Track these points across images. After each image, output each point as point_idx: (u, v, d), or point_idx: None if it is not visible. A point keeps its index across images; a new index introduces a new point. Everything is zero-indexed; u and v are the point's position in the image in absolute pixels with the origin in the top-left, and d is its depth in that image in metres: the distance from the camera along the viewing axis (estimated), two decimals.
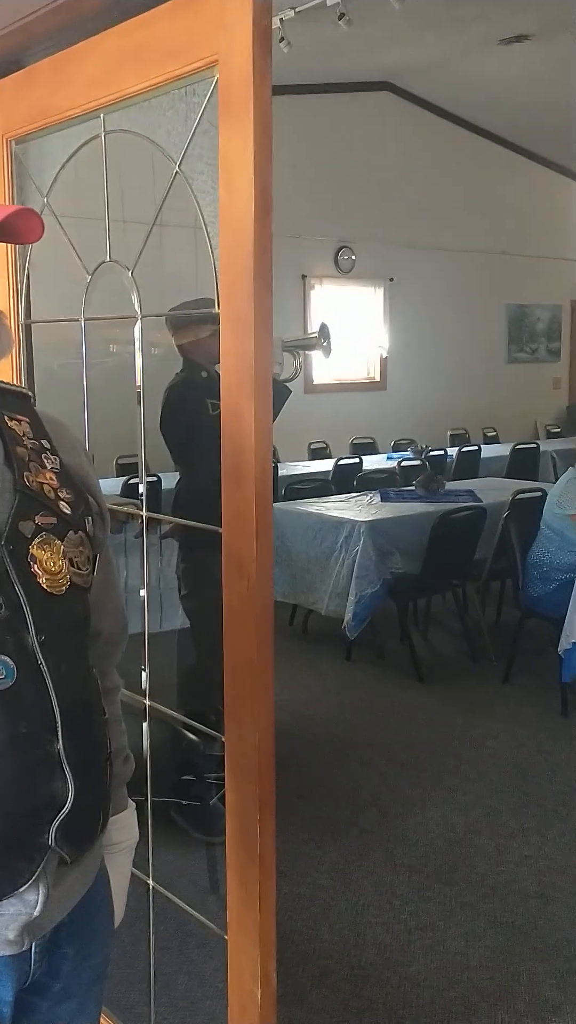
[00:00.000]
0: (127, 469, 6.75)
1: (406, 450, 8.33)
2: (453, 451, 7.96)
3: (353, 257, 9.37)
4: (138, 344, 1.78)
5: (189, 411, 3.85)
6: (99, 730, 1.20)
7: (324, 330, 3.87)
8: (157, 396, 4.01)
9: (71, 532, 1.16)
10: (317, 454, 8.28)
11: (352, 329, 9.37)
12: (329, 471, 6.98)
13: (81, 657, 1.19)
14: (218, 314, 3.76)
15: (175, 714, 2.05)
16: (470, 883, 3.03)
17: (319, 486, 6.07)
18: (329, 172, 9.08)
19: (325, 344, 3.90)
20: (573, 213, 11.42)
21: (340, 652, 5.17)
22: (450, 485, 6.12)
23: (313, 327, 8.97)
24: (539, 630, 4.81)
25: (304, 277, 9.02)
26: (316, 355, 9.17)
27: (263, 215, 1.39)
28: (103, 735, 1.22)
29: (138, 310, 1.78)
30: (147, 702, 2.02)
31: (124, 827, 1.41)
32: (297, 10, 5.78)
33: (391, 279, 9.64)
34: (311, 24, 6.33)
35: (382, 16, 6.54)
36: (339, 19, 5.68)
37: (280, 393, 3.93)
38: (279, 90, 7.32)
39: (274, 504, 5.23)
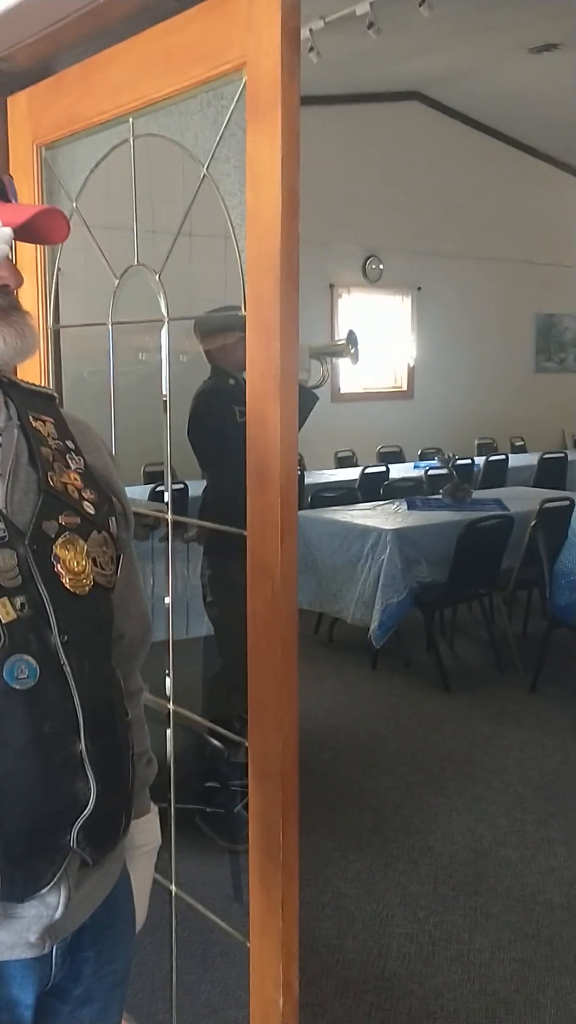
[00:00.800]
0: (155, 477, 6.77)
1: (433, 459, 8.30)
2: (480, 460, 7.92)
3: (381, 266, 9.36)
4: (165, 349, 1.78)
5: (217, 418, 3.85)
6: (122, 731, 1.20)
7: (352, 337, 3.87)
8: (186, 403, 4.03)
9: (95, 532, 1.15)
10: (344, 462, 8.27)
11: (380, 338, 9.36)
12: (356, 479, 6.97)
13: (104, 658, 1.19)
14: (244, 318, 3.74)
15: (199, 719, 2.03)
16: (495, 894, 3.00)
17: (345, 494, 6.06)
18: (357, 181, 9.09)
19: (353, 351, 3.89)
20: None
21: (366, 661, 5.15)
22: (477, 494, 6.09)
23: (341, 336, 8.97)
24: (567, 640, 4.77)
25: (332, 286, 9.02)
26: (343, 364, 9.19)
27: (290, 217, 1.39)
28: (126, 737, 1.21)
29: (165, 313, 1.78)
30: (171, 707, 2.01)
31: (147, 830, 1.41)
32: (327, 20, 5.80)
33: (419, 288, 9.62)
34: (340, 34, 6.35)
35: (411, 24, 6.55)
36: (368, 28, 5.68)
37: (307, 400, 3.93)
38: (307, 100, 7.31)
39: (300, 512, 5.23)
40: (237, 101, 1.48)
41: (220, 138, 1.55)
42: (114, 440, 2.00)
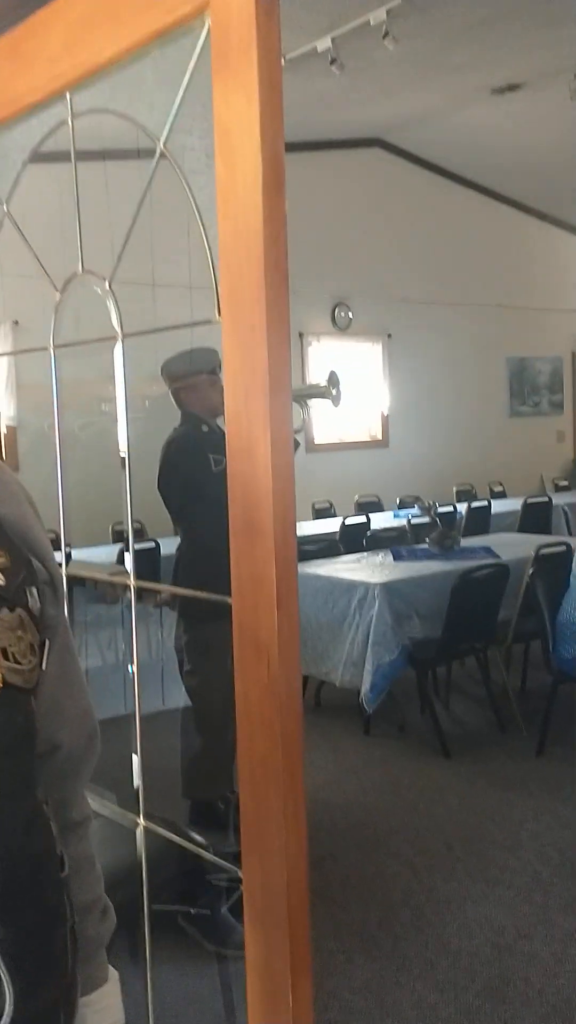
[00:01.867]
0: (123, 536, 6.42)
1: (412, 507, 8.00)
2: (462, 507, 7.63)
3: (350, 314, 9.16)
4: (119, 373, 1.45)
5: (189, 468, 3.52)
6: (53, 897, 0.84)
7: (333, 378, 3.57)
8: (155, 452, 3.69)
9: (4, 610, 0.81)
10: (322, 514, 7.95)
11: (352, 387, 9.11)
12: (335, 531, 6.64)
13: (24, 789, 0.83)
14: (217, 361, 3.39)
15: (171, 835, 1.66)
16: (526, 1000, 2.61)
17: (327, 546, 5.72)
18: (323, 229, 8.90)
19: (336, 392, 3.59)
20: (570, 264, 11.27)
21: (357, 726, 4.77)
22: (465, 541, 5.77)
23: (321, 379, 8.71)
24: (572, 695, 4.42)
25: (301, 335, 8.78)
26: (317, 414, 8.92)
27: (275, 191, 1.07)
28: (60, 903, 0.85)
29: (118, 329, 1.45)
30: (141, 801, 1.64)
31: (103, 1009, 1.04)
32: (288, 58, 5.61)
33: (389, 335, 9.42)
34: (302, 75, 6.17)
35: (375, 64, 6.39)
36: (331, 64, 5.49)
37: None
38: None
39: None
40: (200, 53, 1.17)
41: (179, 103, 1.23)
42: (62, 494, 1.65)
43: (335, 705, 5.03)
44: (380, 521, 7.22)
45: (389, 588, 4.58)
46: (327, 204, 8.94)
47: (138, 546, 4.95)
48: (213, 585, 3.63)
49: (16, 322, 7.07)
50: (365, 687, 4.46)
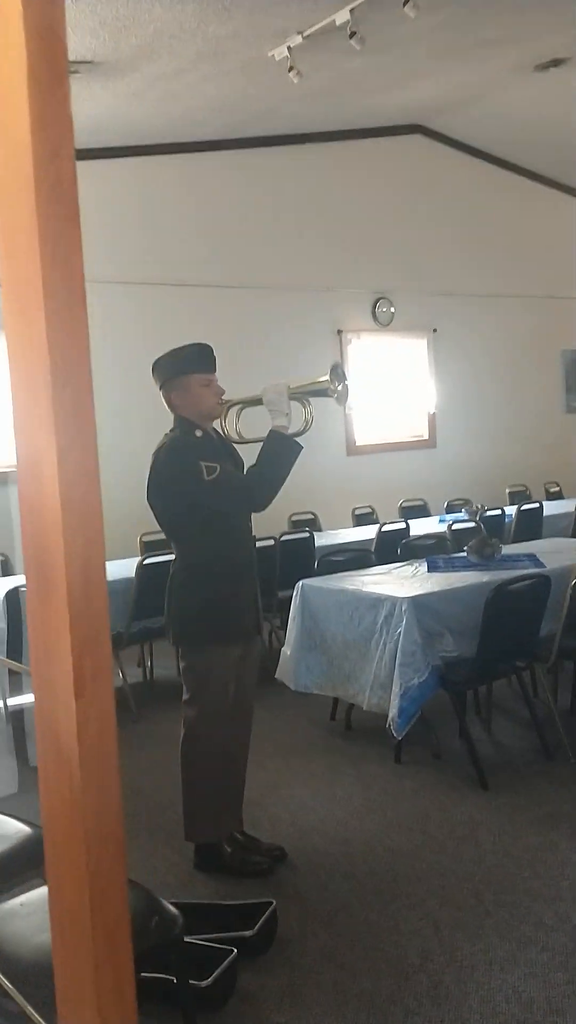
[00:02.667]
0: (151, 546, 6.11)
1: (460, 511, 7.58)
2: (512, 510, 7.18)
3: (392, 309, 8.76)
4: None
5: (179, 477, 3.19)
6: None
7: (337, 370, 3.20)
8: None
9: None
10: (362, 520, 7.57)
11: (396, 385, 8.73)
12: (372, 539, 6.26)
13: None
14: (210, 359, 3.03)
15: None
16: None
17: (357, 556, 5.35)
18: (362, 221, 8.54)
19: (340, 388, 3.22)
20: None
21: (389, 753, 4.39)
22: (508, 548, 5.36)
23: (352, 382, 8.34)
24: None
25: (340, 332, 8.42)
26: (356, 414, 8.55)
27: (50, 87, 0.72)
28: None
29: None
30: None
31: None
32: (305, 35, 5.26)
33: (434, 330, 9.00)
34: (324, 54, 5.82)
35: (400, 41, 6.01)
36: (351, 38, 5.12)
37: (287, 451, 3.25)
38: (306, 138, 6.80)
39: (305, 581, 4.51)
40: None
41: None
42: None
43: (367, 728, 4.64)
44: (423, 527, 6.82)
45: (418, 603, 4.20)
46: (366, 194, 8.57)
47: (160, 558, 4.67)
48: (209, 609, 3.28)
49: None
50: (392, 712, 4.08)
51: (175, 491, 3.19)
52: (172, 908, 2.21)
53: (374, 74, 7.10)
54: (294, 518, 7.22)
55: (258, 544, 5.65)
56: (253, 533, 3.52)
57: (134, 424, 5.71)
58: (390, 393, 8.69)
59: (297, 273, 8.12)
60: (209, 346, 3.34)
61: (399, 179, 8.80)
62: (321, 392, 3.16)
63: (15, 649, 4.91)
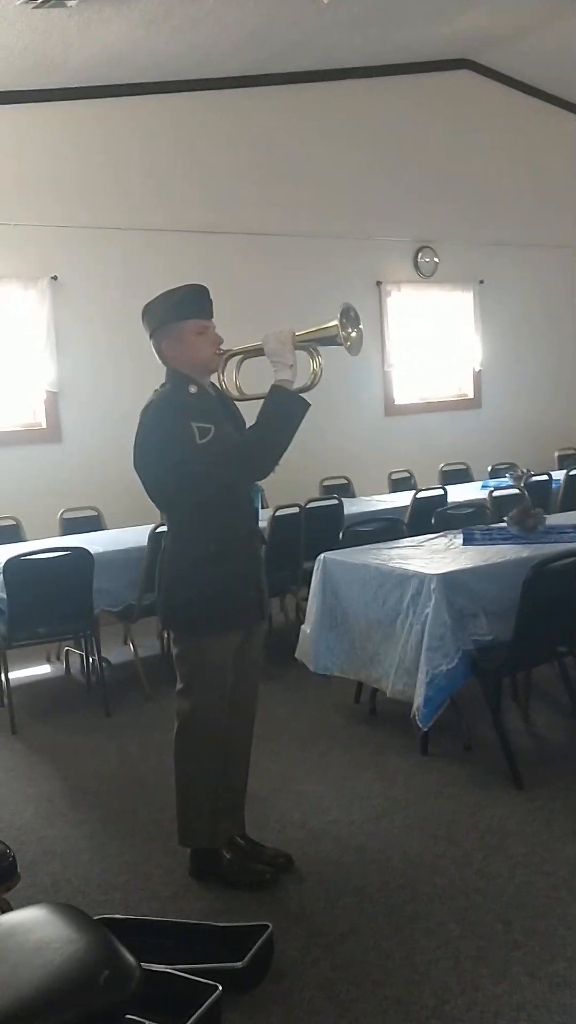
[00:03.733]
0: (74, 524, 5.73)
1: (505, 476, 7.09)
2: (560, 475, 6.67)
3: (436, 259, 8.22)
4: None
5: (166, 440, 2.79)
6: None
7: (348, 312, 2.76)
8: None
9: None
10: (399, 485, 7.12)
11: (438, 341, 8.21)
12: (407, 506, 5.82)
13: None
14: (207, 303, 2.59)
15: None
16: None
17: (387, 526, 4.91)
18: (404, 164, 7.99)
19: (354, 335, 2.78)
20: None
21: (415, 743, 3.99)
22: (554, 519, 4.89)
23: (392, 338, 7.86)
24: None
25: (379, 283, 7.91)
26: (395, 371, 8.05)
27: None
28: None
29: None
30: None
31: None
32: None
33: (481, 282, 8.44)
34: None
35: None
36: None
37: (291, 409, 2.81)
38: (339, 74, 6.25)
39: (327, 554, 4.09)
40: None
41: None
42: None
43: (394, 714, 4.24)
44: (464, 493, 6.36)
45: (448, 580, 3.77)
46: (409, 135, 8.02)
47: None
48: (202, 588, 2.84)
49: (55, 277, 6.45)
50: (418, 701, 3.68)
51: (163, 457, 2.79)
52: (130, 959, 1.82)
53: (417, 1, 6.53)
54: (326, 483, 6.80)
55: (281, 511, 5.28)
56: (262, 503, 3.14)
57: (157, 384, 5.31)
58: (432, 349, 8.17)
59: (334, 220, 7.61)
60: (205, 288, 2.91)
61: (445, 118, 8.21)
62: (330, 340, 2.72)
63: (16, 620, 4.58)
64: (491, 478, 7.29)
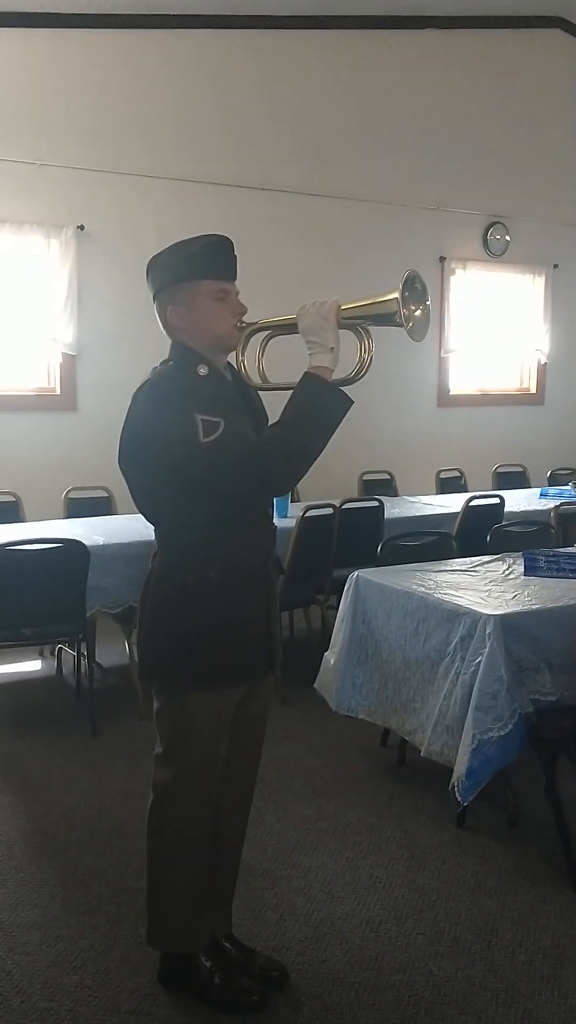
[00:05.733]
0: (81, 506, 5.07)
1: (566, 484, 6.35)
2: None
3: (507, 237, 7.44)
4: None
5: (165, 432, 2.11)
6: None
7: (413, 283, 2.05)
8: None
9: None
10: (448, 486, 6.40)
11: (503, 327, 7.43)
12: (456, 512, 5.11)
13: None
14: (228, 258, 1.89)
15: None
16: None
17: (435, 543, 4.20)
18: (479, 129, 7.19)
19: (418, 313, 2.07)
20: None
21: (451, 809, 3.30)
22: None
23: (452, 321, 7.10)
24: None
25: (443, 259, 7.15)
26: (452, 357, 7.31)
27: None
28: None
29: None
30: None
31: None
32: None
33: (555, 266, 7.66)
34: None
35: None
36: None
37: (329, 405, 2.12)
38: (415, 23, 5.30)
39: (362, 571, 3.41)
40: None
41: None
42: None
43: (425, 767, 3.54)
44: (520, 501, 5.63)
45: (509, 624, 3.07)
46: (487, 99, 7.22)
47: None
48: (194, 627, 2.13)
49: (81, 227, 5.77)
50: (459, 771, 2.99)
51: (154, 455, 2.11)
52: None
53: None
54: (366, 477, 6.10)
55: (313, 512, 4.60)
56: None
57: None
58: (495, 336, 7.40)
59: (396, 186, 6.85)
60: (228, 240, 2.22)
61: (530, 81, 7.39)
62: (387, 318, 2.01)
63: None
64: (550, 484, 6.55)
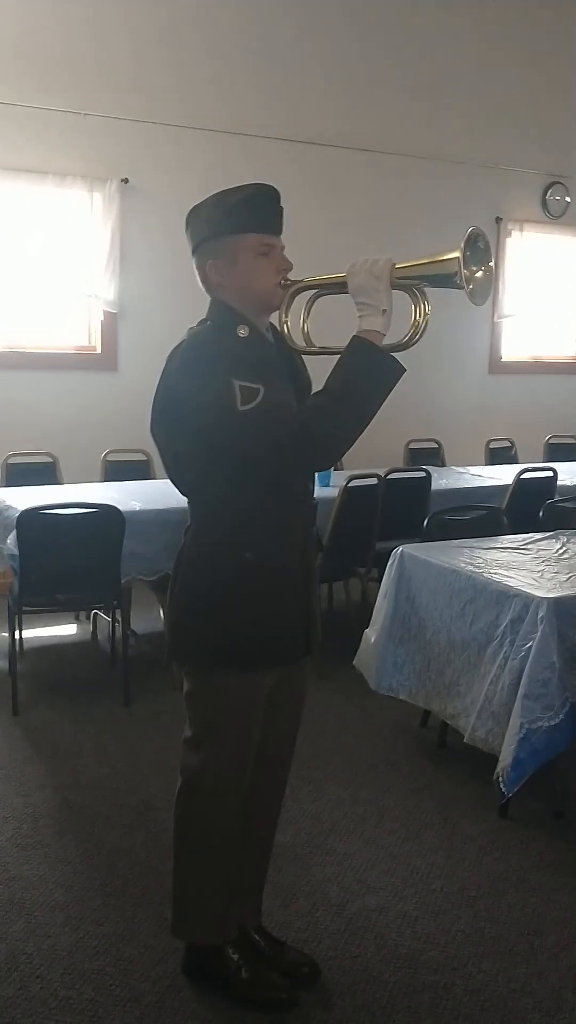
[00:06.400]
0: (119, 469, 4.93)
1: None
2: None
3: (567, 198, 7.13)
4: None
5: (200, 398, 1.96)
6: None
7: (476, 243, 1.87)
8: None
9: None
10: (498, 456, 6.19)
11: (560, 291, 7.15)
12: (507, 485, 4.91)
13: None
14: (274, 209, 1.72)
15: None
16: None
17: (484, 518, 4.02)
18: (541, 82, 6.86)
19: (480, 275, 1.89)
20: None
21: (493, 797, 3.15)
22: None
23: (508, 285, 6.84)
24: None
25: (499, 220, 6.87)
26: (507, 322, 7.04)
27: None
28: None
29: None
30: None
31: None
32: None
33: None
34: None
35: None
36: None
37: (378, 372, 1.94)
38: None
39: (408, 547, 3.24)
40: None
41: None
42: None
43: (467, 753, 3.38)
44: (573, 474, 5.42)
45: (562, 608, 2.90)
46: (551, 45, 6.87)
47: None
48: (228, 610, 1.97)
49: (125, 180, 5.60)
50: (505, 761, 2.85)
51: (188, 422, 1.96)
52: None
53: None
54: (412, 446, 5.91)
55: (357, 481, 4.43)
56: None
57: None
58: (553, 301, 7.12)
59: (451, 142, 6.56)
60: (275, 191, 2.06)
61: None
62: (447, 279, 1.83)
63: (29, 583, 3.86)
64: None
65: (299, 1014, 2.22)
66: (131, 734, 3.71)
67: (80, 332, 5.75)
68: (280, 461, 1.94)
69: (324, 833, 3.01)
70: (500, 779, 2.85)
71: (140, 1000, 2.27)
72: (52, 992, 2.28)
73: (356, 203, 6.19)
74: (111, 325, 5.71)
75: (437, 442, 6.04)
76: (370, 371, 1.90)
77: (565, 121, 6.96)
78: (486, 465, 5.96)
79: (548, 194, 7.07)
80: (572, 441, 6.60)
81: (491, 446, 6.22)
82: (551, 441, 6.51)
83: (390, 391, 1.92)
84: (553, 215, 7.11)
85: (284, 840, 2.59)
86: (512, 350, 7.14)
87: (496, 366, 7.03)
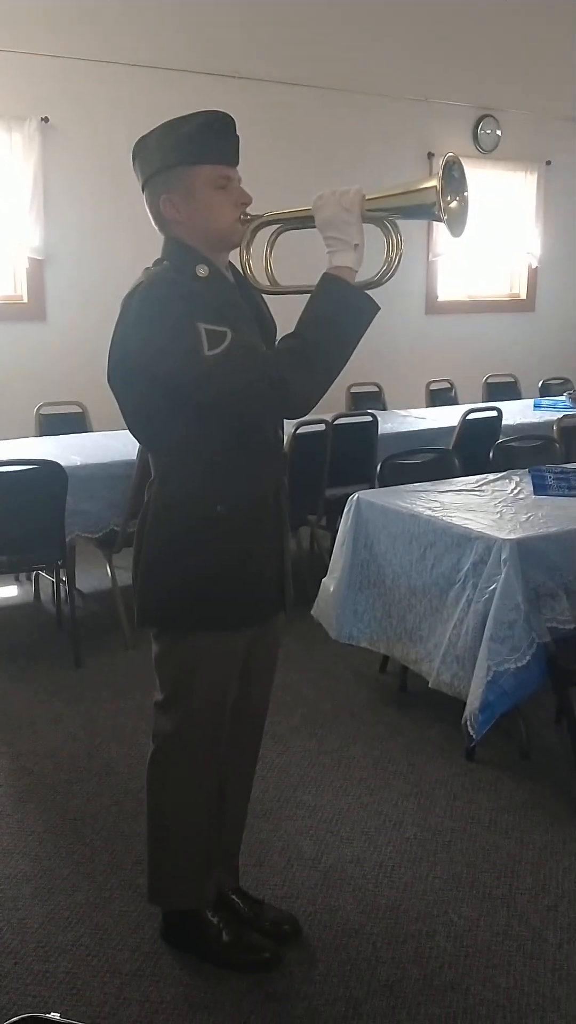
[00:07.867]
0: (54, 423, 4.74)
1: (560, 395, 6.13)
2: None
3: (498, 132, 7.04)
4: None
5: (162, 343, 1.82)
6: None
7: (451, 170, 1.77)
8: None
9: None
10: (438, 398, 6.15)
11: (493, 229, 7.07)
12: (453, 427, 4.87)
13: None
14: (230, 138, 1.55)
15: None
16: None
17: (436, 460, 3.97)
18: (470, 14, 6.70)
19: (455, 205, 1.80)
20: None
21: (459, 739, 3.15)
22: None
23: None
24: None
25: (430, 155, 6.74)
26: (440, 261, 6.95)
27: None
28: None
29: None
30: None
31: None
32: None
33: (548, 162, 7.28)
34: None
35: None
36: None
37: (352, 311, 1.82)
38: None
39: (362, 493, 3.14)
40: None
41: None
42: None
43: (429, 696, 3.36)
44: (515, 414, 5.40)
45: (525, 549, 2.87)
46: None
47: None
48: (198, 567, 1.85)
49: (45, 119, 5.33)
50: (473, 705, 2.82)
51: (149, 370, 1.84)
52: None
53: None
54: (354, 390, 5.82)
55: (304, 428, 4.33)
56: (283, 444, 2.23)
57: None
58: (485, 239, 7.04)
59: (378, 75, 6.39)
60: (228, 117, 1.92)
61: None
62: (423, 210, 1.73)
63: None
64: (541, 395, 6.32)
65: (283, 972, 2.19)
66: (85, 698, 3.60)
67: (5, 281, 5.50)
68: (253, 410, 1.84)
69: (292, 786, 2.97)
70: (469, 723, 2.83)
71: (119, 970, 2.20)
72: (27, 967, 2.21)
73: (284, 139, 6.00)
74: (37, 273, 5.46)
75: (377, 385, 5.97)
76: (344, 310, 1.80)
77: (495, 52, 6.83)
78: (427, 407, 5.91)
79: (479, 128, 6.96)
80: (510, 380, 6.58)
81: (431, 388, 6.17)
82: (489, 381, 6.48)
83: (365, 331, 1.82)
84: (484, 149, 7.01)
85: (253, 795, 2.53)
86: (448, 290, 7.07)
87: (432, 306, 6.95)
